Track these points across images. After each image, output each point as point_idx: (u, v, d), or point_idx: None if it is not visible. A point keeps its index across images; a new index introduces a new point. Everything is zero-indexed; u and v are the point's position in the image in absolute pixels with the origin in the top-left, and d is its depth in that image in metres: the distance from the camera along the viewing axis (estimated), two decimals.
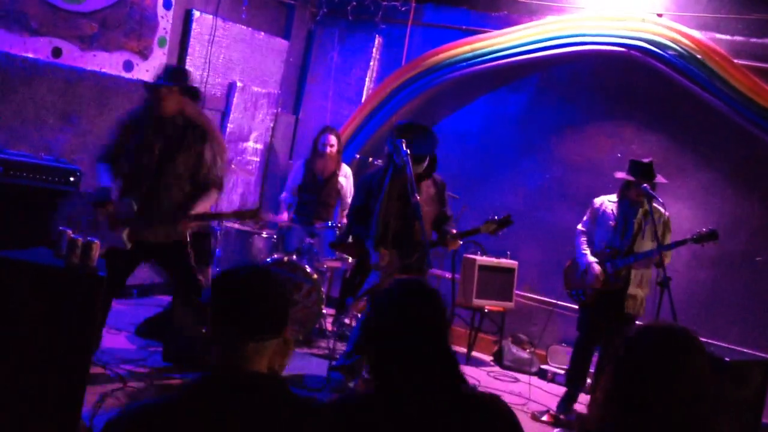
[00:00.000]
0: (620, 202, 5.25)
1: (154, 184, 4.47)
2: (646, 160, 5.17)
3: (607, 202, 5.32)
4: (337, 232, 5.87)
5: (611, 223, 5.22)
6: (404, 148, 4.80)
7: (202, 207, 4.58)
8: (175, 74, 4.53)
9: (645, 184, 5.02)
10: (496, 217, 4.90)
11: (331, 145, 6.33)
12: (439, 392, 1.91)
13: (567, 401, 5.34)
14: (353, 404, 1.99)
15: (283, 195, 6.52)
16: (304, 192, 6.44)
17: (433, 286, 5.06)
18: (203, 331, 1.86)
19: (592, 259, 5.26)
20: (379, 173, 5.01)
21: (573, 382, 5.40)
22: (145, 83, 4.62)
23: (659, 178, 5.21)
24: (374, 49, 7.60)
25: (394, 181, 4.80)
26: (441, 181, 5.12)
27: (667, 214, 5.23)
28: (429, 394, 1.90)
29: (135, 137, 4.48)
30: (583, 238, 5.41)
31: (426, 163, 4.93)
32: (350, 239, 5.15)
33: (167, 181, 4.48)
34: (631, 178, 5.12)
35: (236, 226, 6.14)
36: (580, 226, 5.47)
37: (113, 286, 4.64)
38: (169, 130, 4.48)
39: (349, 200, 6.49)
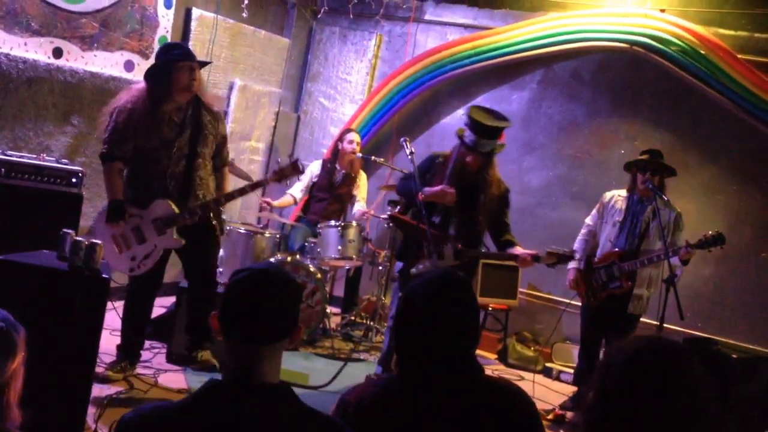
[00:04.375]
0: (629, 198, 5.16)
1: (185, 170, 4.39)
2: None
3: (618, 196, 5.22)
4: (339, 231, 5.83)
5: (617, 219, 5.15)
6: (407, 147, 4.76)
7: (229, 186, 4.66)
8: (191, 51, 4.42)
9: (649, 181, 4.97)
10: (561, 251, 4.56)
11: (358, 143, 6.40)
12: (459, 377, 1.97)
13: (578, 401, 5.30)
14: (365, 400, 2.00)
15: (292, 190, 6.50)
16: (318, 191, 6.44)
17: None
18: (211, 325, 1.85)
19: (573, 264, 5.22)
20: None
21: (582, 381, 5.37)
22: (170, 60, 4.29)
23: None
24: (375, 47, 7.57)
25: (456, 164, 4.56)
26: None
27: (677, 211, 5.12)
28: (449, 378, 1.95)
29: (147, 125, 4.29)
30: (584, 238, 5.34)
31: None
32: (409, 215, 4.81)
33: (197, 166, 4.43)
34: (641, 157, 5.09)
35: (240, 227, 6.12)
36: (588, 220, 5.40)
37: (156, 285, 4.67)
38: (194, 114, 4.42)
39: (360, 205, 6.47)
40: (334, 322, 6.53)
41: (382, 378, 2.13)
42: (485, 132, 4.45)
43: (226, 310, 1.80)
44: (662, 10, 6.14)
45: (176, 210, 4.36)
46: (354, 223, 5.93)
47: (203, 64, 4.53)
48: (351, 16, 7.56)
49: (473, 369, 2.00)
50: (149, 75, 4.38)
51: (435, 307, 1.98)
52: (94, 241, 3.55)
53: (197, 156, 4.43)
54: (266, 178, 4.52)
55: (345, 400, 2.02)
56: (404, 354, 2.02)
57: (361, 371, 5.18)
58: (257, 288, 1.78)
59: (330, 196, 6.41)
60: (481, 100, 7.09)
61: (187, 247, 4.51)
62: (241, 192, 4.58)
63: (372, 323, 6.49)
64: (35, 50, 5.24)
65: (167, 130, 4.35)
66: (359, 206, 6.46)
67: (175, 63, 4.29)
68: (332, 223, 5.94)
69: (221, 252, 5.97)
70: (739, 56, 5.83)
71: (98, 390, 4.09)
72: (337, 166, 6.42)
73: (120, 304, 4.90)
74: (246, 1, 6.81)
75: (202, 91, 4.49)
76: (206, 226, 4.55)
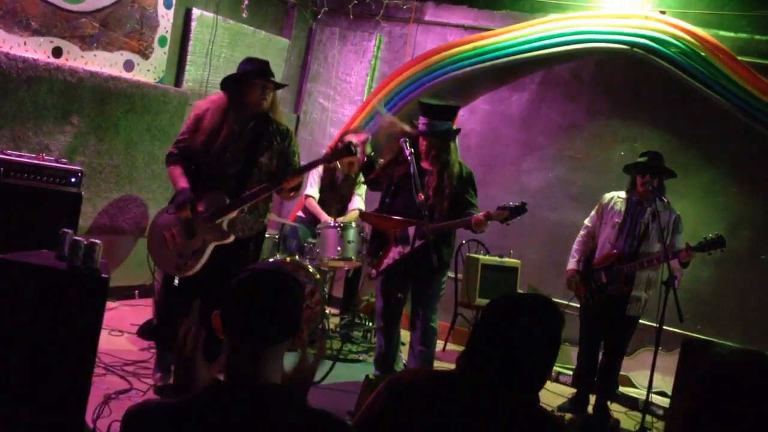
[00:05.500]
0: (628, 200, 5.15)
1: (237, 176, 4.35)
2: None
3: (617, 198, 5.21)
4: (339, 232, 5.82)
5: (617, 221, 5.15)
6: (407, 148, 4.78)
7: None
8: (270, 70, 4.40)
9: (649, 183, 4.97)
10: (511, 204, 4.63)
11: (364, 143, 6.36)
12: (515, 398, 1.92)
13: (577, 403, 5.31)
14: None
15: (310, 190, 6.47)
16: (324, 191, 6.43)
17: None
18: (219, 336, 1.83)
19: (572, 266, 5.27)
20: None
21: (581, 383, 5.37)
22: (243, 73, 4.36)
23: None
24: (375, 48, 7.57)
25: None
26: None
27: (676, 213, 5.11)
28: (506, 396, 1.91)
29: (214, 133, 4.32)
30: (583, 240, 5.34)
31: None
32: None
33: (252, 176, 4.38)
34: (640, 159, 5.09)
35: None
36: (587, 221, 5.40)
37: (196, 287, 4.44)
38: (256, 126, 4.39)
39: (361, 205, 6.46)
40: (333, 322, 6.52)
41: (439, 370, 2.12)
42: (436, 111, 4.79)
43: (231, 309, 1.78)
44: (662, 12, 6.14)
45: (226, 200, 4.31)
46: (353, 224, 5.91)
47: (278, 85, 4.49)
48: (351, 16, 7.56)
49: (531, 395, 1.97)
50: (223, 84, 4.46)
51: (522, 327, 1.94)
52: (93, 240, 3.54)
53: (253, 165, 4.38)
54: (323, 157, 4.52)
55: (398, 377, 2.02)
56: (472, 357, 1.98)
57: (359, 371, 5.17)
58: (264, 288, 1.77)
59: (331, 196, 6.40)
60: (481, 101, 7.10)
61: (215, 267, 4.36)
62: (273, 184, 4.38)
63: (371, 324, 6.49)
64: (35, 49, 5.24)
65: (224, 135, 4.34)
66: (357, 202, 6.45)
67: (247, 77, 4.33)
68: (331, 223, 5.93)
69: None
70: (739, 58, 5.83)
71: (97, 389, 4.08)
72: (338, 166, 6.40)
73: (118, 304, 4.91)
74: (246, 2, 6.81)
75: (274, 110, 4.48)
76: (246, 254, 4.48)
